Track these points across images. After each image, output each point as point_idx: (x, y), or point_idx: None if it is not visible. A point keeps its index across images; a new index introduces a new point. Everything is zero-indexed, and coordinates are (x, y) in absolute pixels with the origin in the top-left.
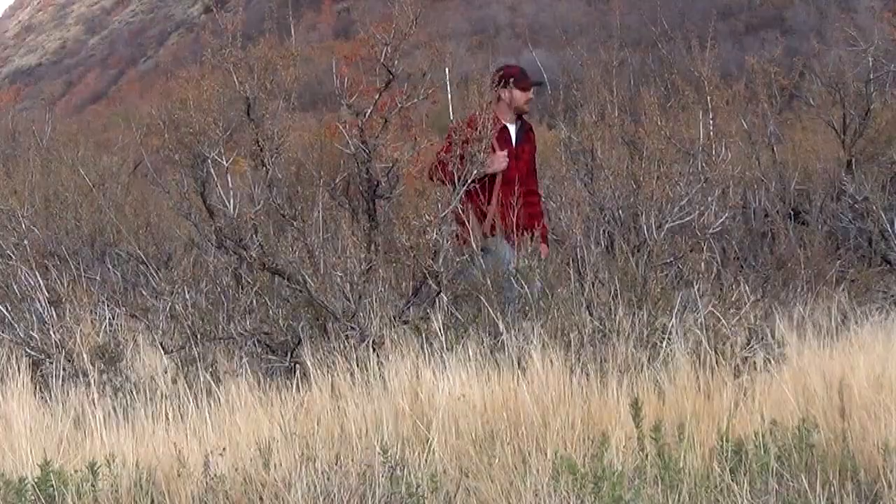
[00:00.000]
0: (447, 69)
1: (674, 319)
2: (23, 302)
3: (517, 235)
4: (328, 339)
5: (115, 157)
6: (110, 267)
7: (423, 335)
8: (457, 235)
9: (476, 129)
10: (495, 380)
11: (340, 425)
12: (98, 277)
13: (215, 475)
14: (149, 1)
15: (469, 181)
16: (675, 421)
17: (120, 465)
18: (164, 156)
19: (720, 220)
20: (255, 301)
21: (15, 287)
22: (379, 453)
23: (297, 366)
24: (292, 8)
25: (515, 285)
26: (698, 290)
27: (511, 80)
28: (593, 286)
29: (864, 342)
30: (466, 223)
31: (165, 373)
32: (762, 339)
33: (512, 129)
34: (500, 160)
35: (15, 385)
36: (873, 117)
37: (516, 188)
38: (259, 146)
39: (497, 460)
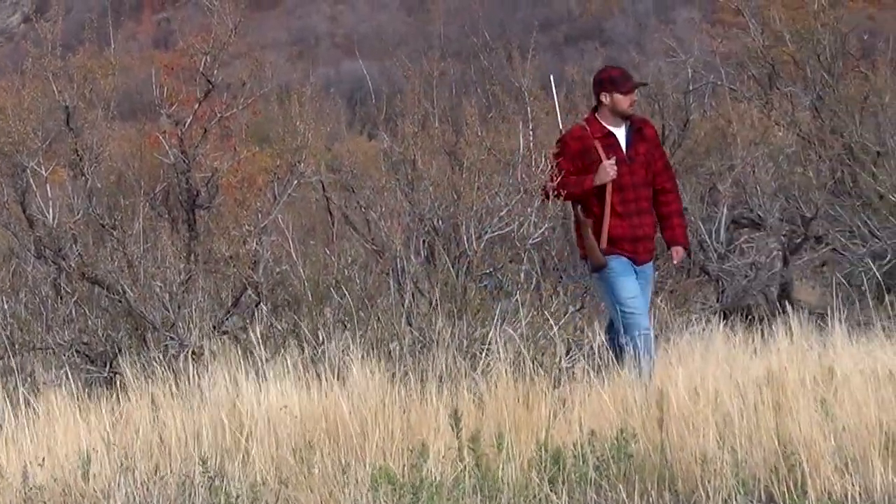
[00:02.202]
0: (551, 76)
1: (494, 330)
2: None
3: (636, 249)
4: (148, 349)
5: None
6: None
7: (243, 345)
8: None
9: (563, 151)
10: (315, 390)
11: (160, 436)
12: None
13: (34, 485)
14: None
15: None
16: (495, 431)
17: None
18: None
19: (539, 231)
20: (74, 311)
21: None
22: (198, 464)
23: (117, 376)
24: (112, 17)
25: (638, 321)
26: (518, 300)
27: (611, 83)
28: (413, 297)
29: (683, 352)
30: (584, 238)
31: None
32: (582, 349)
33: (619, 132)
34: (604, 171)
35: None
36: (692, 128)
37: (632, 194)
38: (78, 156)
39: (317, 470)
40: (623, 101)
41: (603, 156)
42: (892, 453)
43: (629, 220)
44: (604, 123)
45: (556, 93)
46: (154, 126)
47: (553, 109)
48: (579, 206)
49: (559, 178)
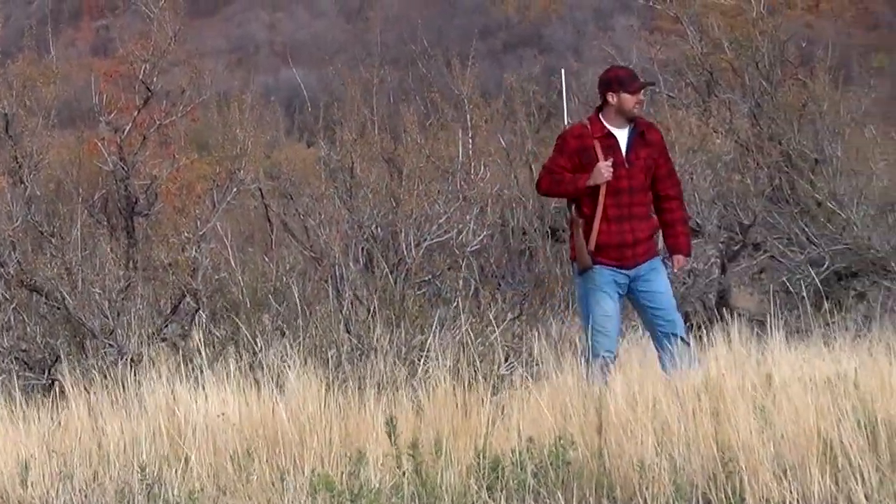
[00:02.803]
0: (563, 71)
1: (432, 336)
2: None
3: (623, 255)
4: (86, 356)
5: None
6: None
7: (182, 352)
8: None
9: (562, 147)
10: (254, 397)
11: (98, 443)
12: None
13: None
14: None
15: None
16: (433, 438)
17: None
18: None
19: (478, 238)
20: (12, 318)
21: None
22: (137, 471)
23: (56, 383)
24: (51, 24)
25: (603, 342)
26: (456, 307)
27: (618, 83)
28: (352, 304)
29: (622, 360)
30: (574, 238)
31: None
32: (520, 356)
33: (621, 134)
34: (599, 173)
35: None
36: None
37: (627, 198)
38: (17, 163)
39: (255, 477)
40: (630, 101)
41: (600, 156)
42: (830, 460)
43: (618, 226)
44: (606, 124)
45: (566, 89)
46: (93, 133)
47: (561, 104)
48: (574, 206)
49: (555, 175)
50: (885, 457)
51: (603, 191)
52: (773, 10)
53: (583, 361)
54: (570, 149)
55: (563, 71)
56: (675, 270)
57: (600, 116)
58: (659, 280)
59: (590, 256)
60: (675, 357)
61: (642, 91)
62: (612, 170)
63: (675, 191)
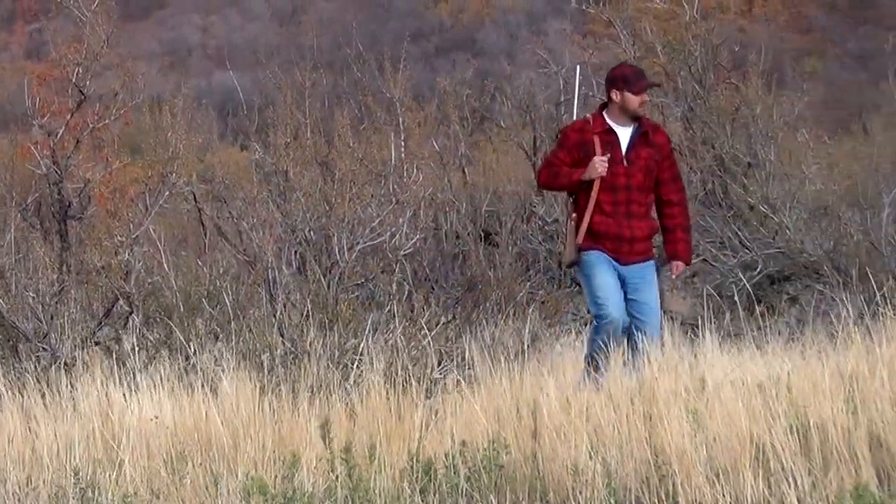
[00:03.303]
0: (577, 66)
1: (366, 340)
2: None
3: (619, 249)
4: (19, 360)
5: None
6: None
7: (116, 356)
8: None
9: (563, 141)
10: (187, 401)
11: (32, 447)
12: None
13: None
14: None
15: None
16: (367, 442)
17: None
18: None
19: (411, 242)
20: None
21: None
22: (70, 475)
23: None
24: None
25: (608, 313)
26: (390, 311)
27: (623, 81)
28: (285, 307)
29: (555, 363)
30: (566, 232)
31: None
32: (453, 360)
33: (623, 132)
34: (593, 167)
35: None
36: None
37: (624, 196)
38: None
39: (188, 481)
40: (633, 101)
41: (598, 152)
42: (762, 463)
43: (616, 220)
44: (609, 120)
45: (580, 84)
46: (26, 137)
47: (574, 98)
48: (572, 200)
49: (554, 168)
50: (817, 460)
51: (596, 186)
52: (706, 14)
53: (584, 364)
54: (571, 143)
55: (577, 67)
56: (674, 277)
57: (604, 113)
58: (648, 291)
59: (578, 249)
60: (633, 357)
61: (647, 91)
62: (606, 165)
63: (678, 196)
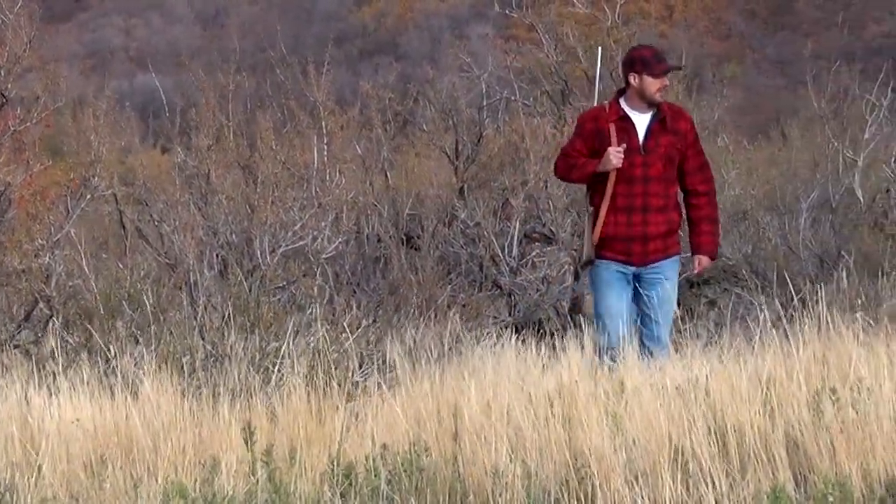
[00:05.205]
0: (599, 48)
1: (287, 343)
2: None
3: (631, 250)
4: None
5: None
6: None
7: (35, 359)
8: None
9: (578, 130)
10: (107, 404)
11: None
12: None
13: None
14: None
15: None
16: (288, 445)
17: None
18: None
19: (333, 245)
20: None
21: None
22: None
23: None
24: None
25: (610, 339)
26: (311, 314)
27: (642, 64)
28: (206, 310)
29: (476, 367)
30: (585, 227)
31: None
32: (375, 363)
33: (641, 119)
34: (608, 158)
35: None
36: (486, 143)
37: (641, 187)
38: None
39: (108, 485)
40: (652, 85)
41: (614, 141)
42: (681, 466)
43: (627, 217)
44: (626, 106)
45: (600, 67)
46: None
47: (595, 83)
48: (589, 194)
49: (570, 159)
50: (734, 462)
51: (612, 178)
52: (627, 19)
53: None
54: (586, 132)
55: (599, 48)
56: (697, 272)
57: (620, 99)
58: (663, 292)
59: (594, 250)
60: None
61: (667, 74)
62: (621, 155)
63: (706, 187)
